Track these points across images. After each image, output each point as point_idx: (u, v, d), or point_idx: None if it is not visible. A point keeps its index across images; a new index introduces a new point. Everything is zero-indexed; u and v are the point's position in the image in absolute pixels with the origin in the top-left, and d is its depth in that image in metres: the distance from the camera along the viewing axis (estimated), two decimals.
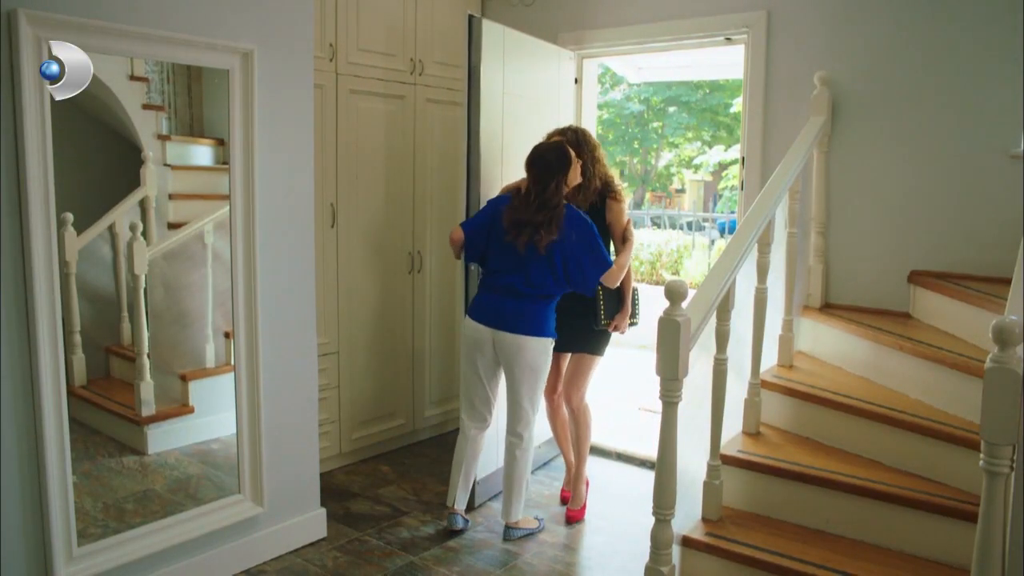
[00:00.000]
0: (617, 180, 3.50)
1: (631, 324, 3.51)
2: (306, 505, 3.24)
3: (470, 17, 3.43)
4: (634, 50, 4.18)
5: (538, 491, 3.81)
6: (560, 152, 3.16)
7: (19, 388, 2.33)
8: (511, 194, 3.23)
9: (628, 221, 3.43)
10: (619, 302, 3.45)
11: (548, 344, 3.22)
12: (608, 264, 3.16)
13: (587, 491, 3.68)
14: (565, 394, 3.56)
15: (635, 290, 3.54)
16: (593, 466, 4.04)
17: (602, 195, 3.39)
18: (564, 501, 3.69)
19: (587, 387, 3.56)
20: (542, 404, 3.42)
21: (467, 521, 3.41)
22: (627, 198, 3.52)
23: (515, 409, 3.25)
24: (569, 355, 3.56)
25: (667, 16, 3.89)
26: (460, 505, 3.37)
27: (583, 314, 3.40)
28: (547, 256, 3.10)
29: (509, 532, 3.31)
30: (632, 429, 4.54)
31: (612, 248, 3.43)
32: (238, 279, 2.92)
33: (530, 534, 3.35)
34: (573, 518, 3.54)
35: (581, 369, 3.52)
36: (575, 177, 3.23)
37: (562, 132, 3.39)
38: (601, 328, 3.41)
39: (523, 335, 3.14)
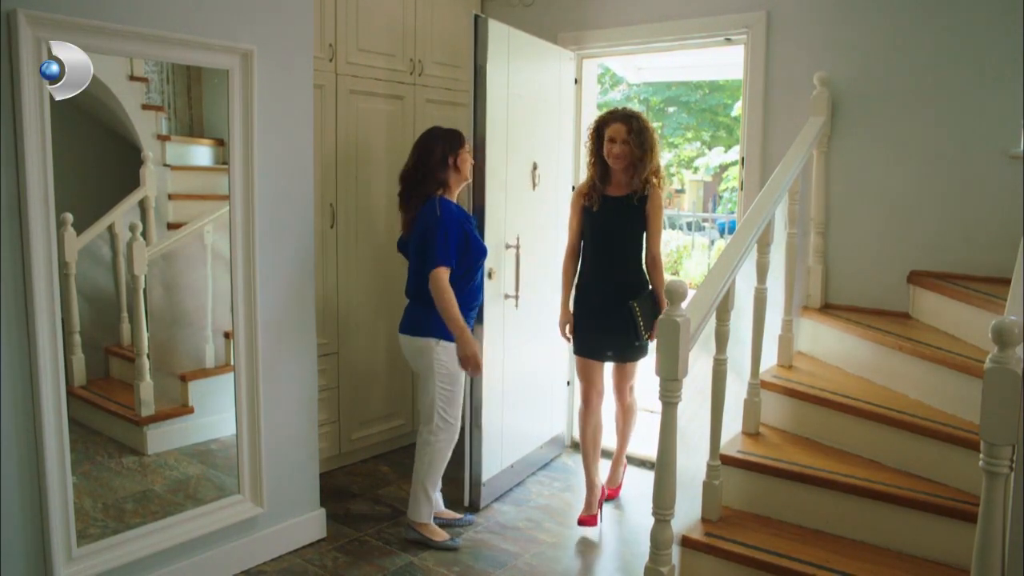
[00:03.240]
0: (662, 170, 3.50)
1: None
2: (306, 505, 3.24)
3: (476, 17, 3.41)
4: (633, 50, 4.18)
5: (538, 491, 3.81)
6: (440, 132, 3.22)
7: (19, 388, 2.33)
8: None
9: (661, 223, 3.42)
10: (657, 312, 3.30)
11: (431, 344, 3.10)
12: (433, 265, 3.02)
13: (624, 472, 3.83)
14: (616, 394, 3.58)
15: None
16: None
17: (647, 183, 3.37)
18: (581, 524, 3.42)
19: (635, 382, 3.61)
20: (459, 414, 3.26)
21: (462, 518, 3.45)
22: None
23: (421, 405, 3.27)
24: (608, 364, 3.53)
25: (667, 16, 3.89)
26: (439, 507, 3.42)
27: (619, 327, 3.34)
28: (414, 239, 3.12)
29: (406, 529, 3.30)
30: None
31: (646, 239, 3.40)
32: (238, 279, 2.92)
33: (426, 543, 3.22)
34: (611, 496, 3.73)
35: (624, 374, 3.54)
36: (461, 162, 3.18)
37: (628, 115, 3.37)
38: (643, 343, 3.39)
39: (404, 334, 3.21)
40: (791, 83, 3.56)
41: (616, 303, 3.33)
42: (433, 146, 3.15)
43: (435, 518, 3.33)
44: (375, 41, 3.91)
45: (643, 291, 3.37)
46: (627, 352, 3.45)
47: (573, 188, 4.19)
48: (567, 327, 3.55)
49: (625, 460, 3.85)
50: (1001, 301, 2.59)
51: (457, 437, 3.27)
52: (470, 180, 3.31)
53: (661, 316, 2.21)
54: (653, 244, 3.39)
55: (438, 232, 3.03)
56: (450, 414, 3.19)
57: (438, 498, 3.38)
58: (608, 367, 3.55)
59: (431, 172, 3.13)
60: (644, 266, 3.43)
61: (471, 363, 3.07)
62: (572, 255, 3.55)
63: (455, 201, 3.21)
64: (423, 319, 3.12)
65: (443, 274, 3.02)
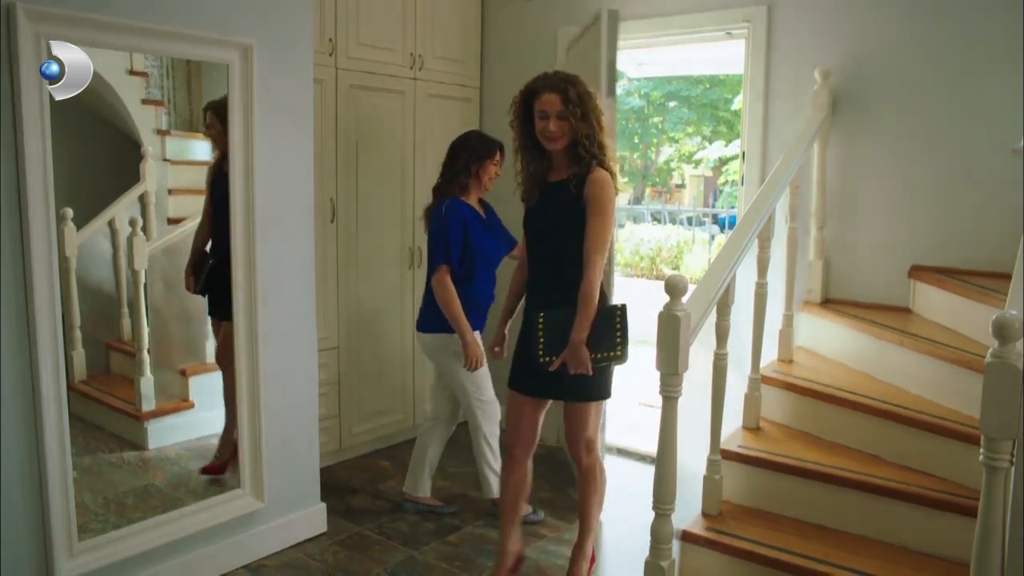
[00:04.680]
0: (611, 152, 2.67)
1: (613, 358, 2.56)
2: (306, 500, 3.25)
3: (609, 12, 3.35)
4: (635, 45, 4.16)
5: (540, 485, 3.78)
6: (475, 138, 3.31)
7: (19, 384, 2.33)
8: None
9: (611, 215, 2.58)
10: (566, 335, 2.51)
11: (446, 339, 3.20)
12: (432, 266, 3.15)
13: (591, 572, 2.90)
14: (572, 448, 2.77)
15: (619, 309, 2.57)
16: None
17: (592, 163, 2.58)
18: None
19: (594, 435, 2.76)
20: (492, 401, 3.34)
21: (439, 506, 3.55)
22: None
23: (448, 396, 3.44)
24: (548, 401, 2.81)
25: (668, 11, 3.87)
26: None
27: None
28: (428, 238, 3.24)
29: (493, 505, 3.41)
30: (632, 424, 4.54)
31: (588, 234, 2.53)
32: (238, 274, 2.91)
33: (429, 511, 3.50)
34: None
35: (576, 418, 2.71)
36: (487, 171, 3.25)
37: (562, 81, 2.58)
38: (543, 365, 2.55)
39: (420, 332, 3.34)
40: (792, 77, 3.55)
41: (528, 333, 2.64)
42: (459, 152, 3.26)
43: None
44: (375, 35, 3.90)
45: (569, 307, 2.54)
46: (564, 383, 2.60)
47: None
48: (494, 349, 3.02)
49: (591, 551, 2.90)
50: (1002, 296, 2.59)
51: (498, 409, 3.34)
52: (490, 191, 3.33)
53: (661, 310, 2.19)
54: (585, 241, 2.53)
55: (440, 234, 3.15)
56: (485, 394, 3.29)
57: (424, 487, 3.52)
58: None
59: (454, 176, 3.24)
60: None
61: (473, 363, 3.14)
62: (523, 263, 2.89)
63: (474, 201, 3.29)
64: (436, 316, 3.19)
65: (443, 274, 3.11)
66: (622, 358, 2.57)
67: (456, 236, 3.13)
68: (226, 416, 3.02)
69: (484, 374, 3.27)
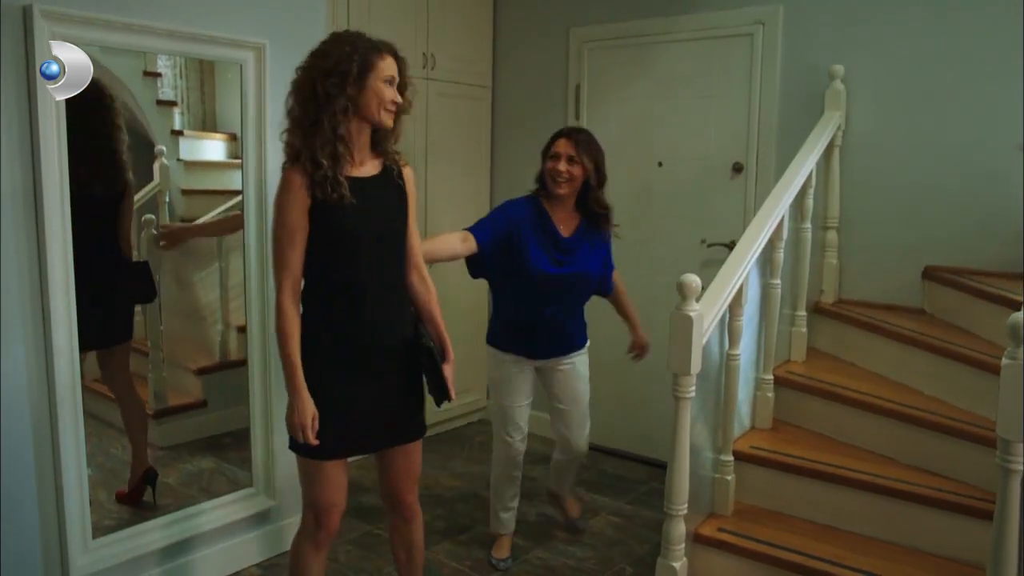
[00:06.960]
0: None
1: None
2: None
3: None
4: (647, 44, 4.15)
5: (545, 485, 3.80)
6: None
7: (36, 382, 2.35)
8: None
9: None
10: (441, 358, 2.22)
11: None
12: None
13: None
14: (404, 495, 2.33)
15: None
16: (603, 458, 4.03)
17: (397, 154, 2.21)
18: None
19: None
20: None
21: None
22: None
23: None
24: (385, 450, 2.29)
25: (680, 10, 3.86)
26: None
27: (401, 385, 2.19)
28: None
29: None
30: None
31: (415, 233, 2.27)
32: (251, 273, 2.91)
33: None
34: None
35: (416, 456, 2.32)
36: (544, 167, 2.85)
37: (393, 45, 2.22)
38: (446, 401, 2.21)
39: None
40: (805, 77, 3.54)
41: (393, 347, 2.15)
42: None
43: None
44: (387, 35, 3.80)
45: (419, 325, 2.23)
46: (412, 424, 2.26)
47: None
48: (314, 424, 2.09)
49: None
50: (1017, 297, 2.58)
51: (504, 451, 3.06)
52: (551, 188, 2.80)
53: (673, 311, 2.18)
54: (417, 244, 2.26)
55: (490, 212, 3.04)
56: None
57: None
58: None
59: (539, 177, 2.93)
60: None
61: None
62: (299, 294, 2.11)
63: (562, 209, 2.88)
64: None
65: (451, 234, 2.81)
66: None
67: (501, 225, 2.81)
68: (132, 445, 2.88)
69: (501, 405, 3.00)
